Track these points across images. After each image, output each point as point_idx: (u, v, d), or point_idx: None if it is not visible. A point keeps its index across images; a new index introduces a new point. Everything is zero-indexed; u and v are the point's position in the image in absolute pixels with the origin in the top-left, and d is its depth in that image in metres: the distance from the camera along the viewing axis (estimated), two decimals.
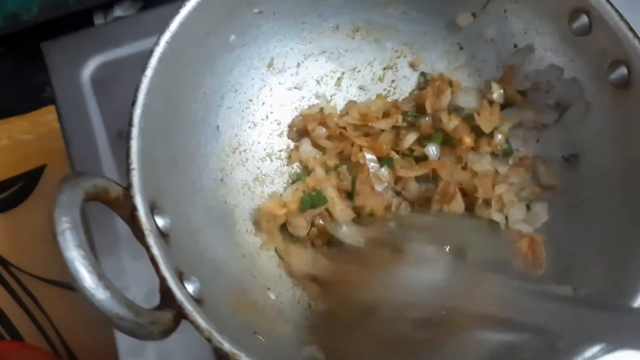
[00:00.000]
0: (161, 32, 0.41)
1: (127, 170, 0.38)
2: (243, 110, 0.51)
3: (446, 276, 0.39)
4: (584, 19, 0.44)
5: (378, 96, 0.54)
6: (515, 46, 0.50)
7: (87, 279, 0.29)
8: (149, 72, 0.40)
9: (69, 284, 0.72)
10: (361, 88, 0.55)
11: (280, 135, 0.53)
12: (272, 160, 0.52)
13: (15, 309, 0.72)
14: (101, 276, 0.30)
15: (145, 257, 0.49)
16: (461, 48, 0.53)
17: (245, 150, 0.51)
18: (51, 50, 0.60)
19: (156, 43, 0.41)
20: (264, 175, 0.51)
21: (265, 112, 0.52)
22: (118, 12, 0.78)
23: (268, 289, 0.46)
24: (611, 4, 0.42)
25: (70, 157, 0.56)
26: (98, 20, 0.79)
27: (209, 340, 0.35)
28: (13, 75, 0.83)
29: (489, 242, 0.45)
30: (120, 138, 0.56)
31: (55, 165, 0.78)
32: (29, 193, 0.77)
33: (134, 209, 0.37)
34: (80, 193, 0.32)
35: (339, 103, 0.54)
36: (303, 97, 0.54)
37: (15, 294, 0.73)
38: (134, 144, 0.38)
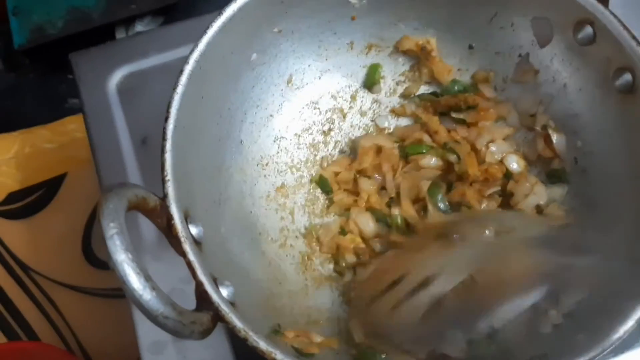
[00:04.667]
0: (190, 50, 0.44)
1: (163, 182, 0.40)
2: (264, 125, 0.53)
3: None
4: (588, 29, 0.46)
5: None
6: (519, 55, 0.53)
7: (135, 280, 0.31)
8: (179, 89, 0.42)
9: (86, 289, 0.75)
10: (375, 101, 0.57)
11: (299, 148, 0.55)
12: (292, 173, 0.54)
13: (34, 312, 0.74)
14: (148, 278, 0.32)
15: (166, 259, 0.52)
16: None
17: (267, 164, 0.53)
18: (79, 61, 0.63)
19: (186, 61, 0.43)
20: (286, 186, 0.53)
21: (285, 126, 0.54)
22: (139, 27, 0.81)
23: (293, 294, 0.48)
24: (614, 15, 0.45)
25: (96, 162, 0.58)
26: (120, 35, 0.83)
27: (245, 340, 0.36)
28: (37, 86, 0.87)
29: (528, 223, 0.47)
30: (145, 145, 0.58)
31: (75, 173, 0.81)
32: (49, 200, 0.80)
33: (170, 217, 0.39)
34: (124, 201, 0.34)
35: (355, 117, 0.57)
36: (320, 112, 0.56)
37: (35, 297, 0.75)
38: (168, 157, 0.41)
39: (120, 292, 0.75)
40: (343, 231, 0.52)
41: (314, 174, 0.55)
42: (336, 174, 0.54)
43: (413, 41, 0.55)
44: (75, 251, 0.78)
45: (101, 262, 0.77)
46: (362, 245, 0.51)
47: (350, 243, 0.51)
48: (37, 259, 0.78)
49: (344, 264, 0.51)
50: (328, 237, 0.52)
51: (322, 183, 0.54)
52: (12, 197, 0.80)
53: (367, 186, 0.53)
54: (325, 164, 0.55)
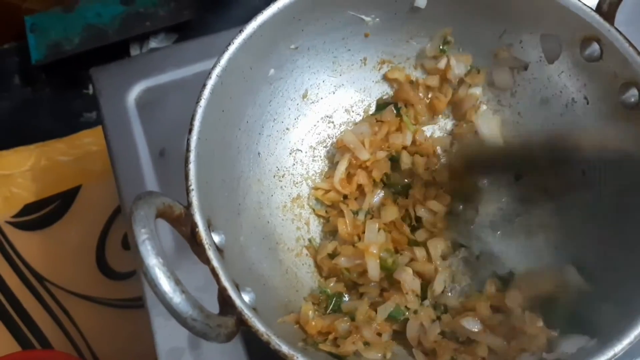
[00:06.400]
0: (211, 65, 0.45)
1: (187, 191, 0.41)
2: (281, 138, 0.55)
3: None
4: (594, 46, 0.48)
5: None
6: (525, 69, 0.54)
7: (166, 283, 0.33)
8: (202, 102, 0.44)
9: (100, 299, 0.76)
10: None
11: (314, 160, 0.57)
12: (308, 184, 0.56)
13: (48, 321, 0.76)
14: (177, 282, 0.33)
15: (183, 268, 0.53)
16: (478, 72, 0.57)
17: (283, 175, 0.55)
18: (99, 76, 0.65)
19: (209, 76, 0.45)
20: (301, 197, 0.55)
21: (301, 139, 0.56)
22: (153, 43, 0.83)
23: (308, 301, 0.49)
24: (620, 32, 0.46)
25: (116, 174, 0.60)
26: (134, 51, 0.85)
27: (267, 343, 0.37)
28: (53, 101, 0.89)
29: None
30: (162, 156, 0.60)
31: (90, 185, 0.83)
32: (64, 212, 0.82)
33: (194, 225, 0.40)
34: (153, 209, 0.35)
35: (367, 129, 0.58)
36: (334, 125, 0.58)
37: (49, 307, 0.77)
38: (192, 167, 0.42)
39: (133, 303, 0.77)
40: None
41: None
42: (326, 191, 0.55)
43: (403, 74, 0.57)
44: (89, 262, 0.80)
45: (115, 273, 0.79)
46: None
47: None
48: (51, 269, 0.79)
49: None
50: (319, 258, 0.52)
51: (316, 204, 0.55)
52: (27, 208, 0.82)
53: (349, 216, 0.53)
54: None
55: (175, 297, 0.33)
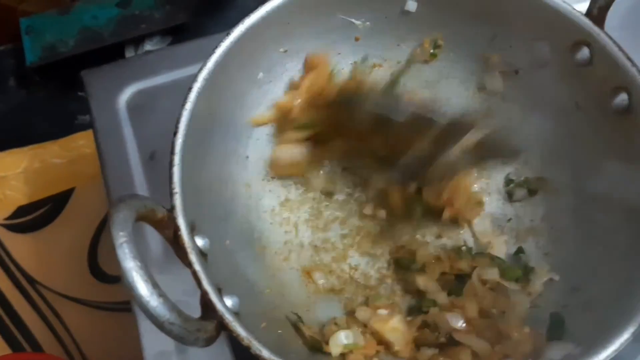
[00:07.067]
0: (198, 68, 0.45)
1: (170, 194, 0.41)
2: (270, 142, 0.54)
3: None
4: (585, 50, 0.48)
5: None
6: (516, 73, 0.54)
7: (143, 287, 0.32)
8: (188, 105, 0.44)
9: (92, 302, 0.76)
10: None
11: None
12: (297, 188, 0.55)
13: (39, 324, 0.76)
14: (155, 285, 0.33)
15: (171, 272, 0.53)
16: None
17: (272, 179, 0.54)
18: (91, 78, 0.65)
19: (195, 79, 0.45)
20: (289, 201, 0.54)
21: None
22: (148, 46, 0.83)
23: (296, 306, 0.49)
24: (609, 36, 0.46)
25: (105, 176, 0.59)
26: (129, 53, 0.85)
27: (248, 348, 0.37)
28: (47, 103, 0.89)
29: None
30: (152, 160, 0.60)
31: (83, 188, 0.82)
32: (57, 214, 0.81)
33: (176, 229, 0.40)
34: (133, 212, 0.35)
35: None
36: None
37: (40, 310, 0.76)
38: (176, 170, 0.42)
39: (124, 306, 0.77)
40: None
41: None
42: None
43: None
44: (82, 265, 0.79)
45: (107, 276, 0.79)
46: None
47: None
48: (43, 272, 0.79)
49: None
50: None
51: None
52: (20, 211, 0.82)
53: None
54: None
55: (152, 301, 0.33)
